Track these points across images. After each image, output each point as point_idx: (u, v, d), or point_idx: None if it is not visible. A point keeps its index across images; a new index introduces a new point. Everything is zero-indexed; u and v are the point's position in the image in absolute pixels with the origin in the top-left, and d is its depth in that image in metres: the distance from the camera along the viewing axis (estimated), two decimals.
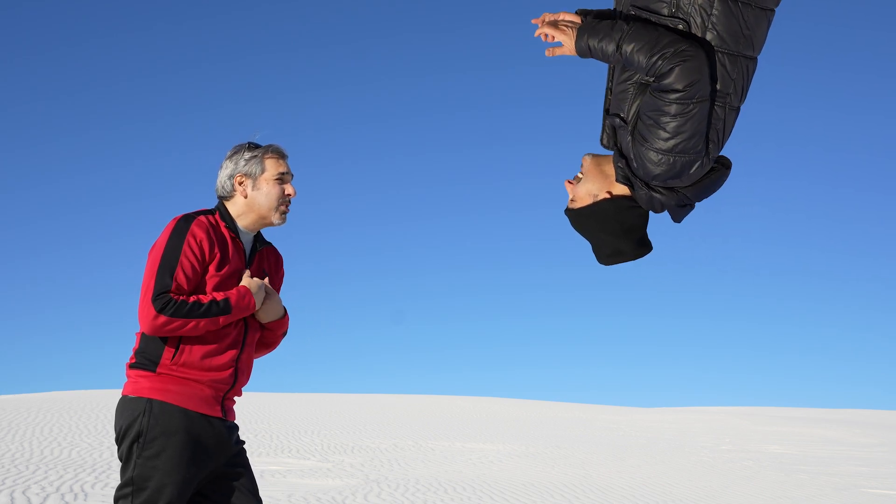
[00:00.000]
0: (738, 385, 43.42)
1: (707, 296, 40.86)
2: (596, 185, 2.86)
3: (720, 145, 2.76)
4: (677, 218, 2.89)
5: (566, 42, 2.74)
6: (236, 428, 3.39)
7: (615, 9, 2.88)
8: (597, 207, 2.85)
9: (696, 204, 2.88)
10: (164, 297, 3.15)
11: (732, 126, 2.77)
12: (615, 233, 2.86)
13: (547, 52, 2.79)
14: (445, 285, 41.03)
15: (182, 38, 36.33)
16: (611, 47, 2.65)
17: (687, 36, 2.65)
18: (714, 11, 2.66)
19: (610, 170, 2.87)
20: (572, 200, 2.90)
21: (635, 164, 2.73)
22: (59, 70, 35.74)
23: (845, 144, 39.19)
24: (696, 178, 2.75)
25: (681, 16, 2.68)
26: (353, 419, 21.31)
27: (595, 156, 2.91)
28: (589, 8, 2.90)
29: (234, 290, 3.27)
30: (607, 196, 2.84)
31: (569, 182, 2.92)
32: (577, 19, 2.76)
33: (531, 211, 38.11)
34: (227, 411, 3.33)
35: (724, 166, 2.84)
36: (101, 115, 35.96)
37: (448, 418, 23.31)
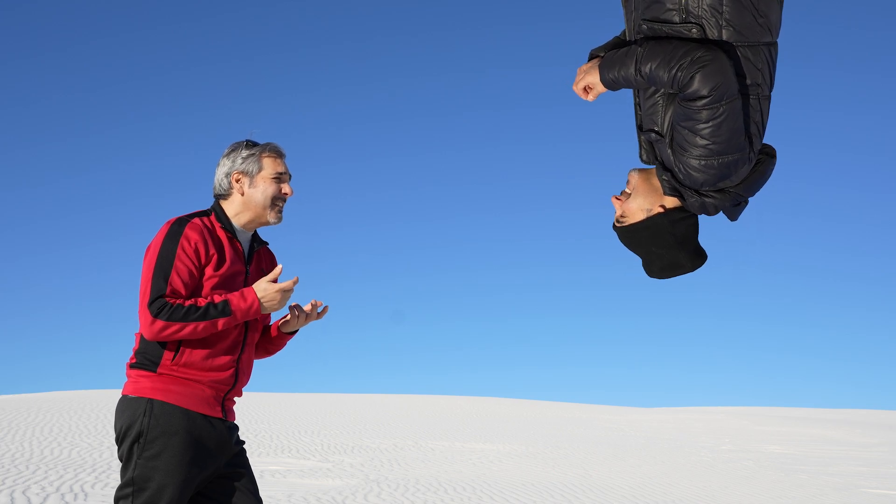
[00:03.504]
0: (738, 385, 43.46)
1: (707, 296, 40.87)
2: (648, 199, 2.86)
3: (761, 137, 2.77)
4: (733, 217, 2.90)
5: (595, 81, 2.80)
6: (236, 428, 3.39)
7: (625, 26, 2.90)
8: (650, 222, 2.86)
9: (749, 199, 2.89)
10: (160, 301, 3.14)
11: (768, 114, 2.78)
12: (671, 245, 2.87)
13: (591, 97, 2.85)
14: (445, 285, 41.04)
15: (182, 38, 36.31)
16: (630, 72, 2.69)
17: (702, 41, 2.65)
18: (725, 9, 2.66)
19: (658, 183, 2.88)
20: (623, 216, 2.90)
21: (681, 175, 2.74)
22: (60, 70, 35.73)
23: (846, 144, 39.19)
24: (744, 175, 2.76)
25: (692, 20, 2.68)
26: (353, 419, 21.31)
27: (642, 170, 2.91)
28: (601, 44, 2.96)
29: (236, 293, 3.25)
30: (661, 210, 2.86)
31: (616, 198, 2.91)
32: (594, 62, 2.81)
33: (531, 211, 38.13)
34: (228, 412, 3.33)
35: (768, 156, 2.84)
36: (101, 115, 35.95)
37: (448, 418, 23.31)
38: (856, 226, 39.66)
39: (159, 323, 3.13)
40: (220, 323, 3.20)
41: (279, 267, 3.31)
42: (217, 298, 3.21)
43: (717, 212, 2.85)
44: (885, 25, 38.07)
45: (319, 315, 3.50)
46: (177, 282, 3.18)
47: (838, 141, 38.86)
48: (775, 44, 2.76)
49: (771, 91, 2.77)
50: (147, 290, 3.17)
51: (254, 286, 3.28)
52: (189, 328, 3.15)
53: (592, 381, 41.19)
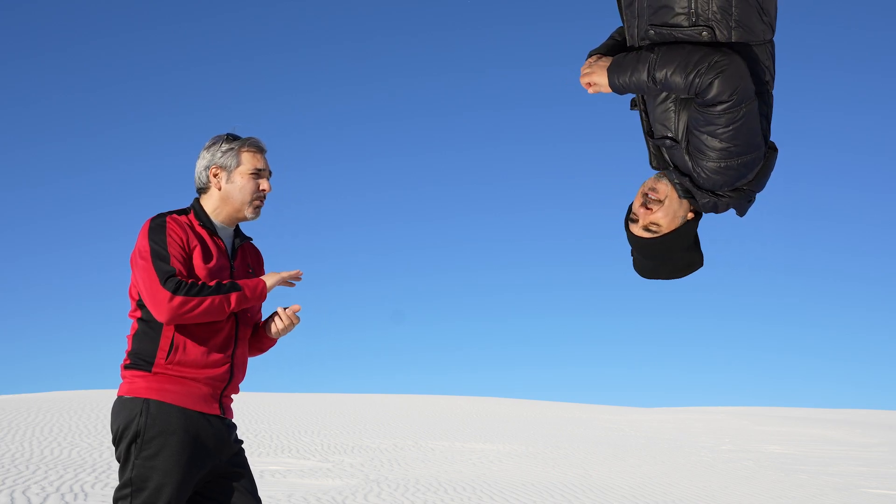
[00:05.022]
0: (738, 385, 43.44)
1: (707, 296, 40.86)
2: (683, 207, 2.88)
3: (770, 132, 2.79)
4: (742, 212, 2.92)
5: (602, 82, 2.79)
6: (235, 426, 3.39)
7: (626, 31, 2.87)
8: (683, 229, 2.89)
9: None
10: (173, 279, 3.13)
11: (773, 108, 2.80)
12: (690, 247, 2.92)
13: (591, 91, 2.85)
14: (445, 285, 41.04)
15: (182, 38, 36.32)
16: (642, 78, 2.67)
17: (712, 44, 2.65)
18: (735, 10, 2.65)
19: None
20: (655, 225, 2.88)
21: (701, 179, 2.74)
22: (60, 70, 35.72)
23: (846, 144, 39.18)
24: (757, 171, 2.78)
25: (702, 23, 2.67)
26: (353, 419, 21.31)
27: (666, 177, 2.90)
28: (594, 41, 2.97)
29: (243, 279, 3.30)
30: (692, 216, 2.89)
31: (647, 209, 2.88)
32: (604, 62, 2.79)
33: (531, 211, 38.12)
34: (226, 409, 3.32)
35: (771, 149, 2.85)
36: (101, 115, 35.95)
37: (448, 418, 23.30)
38: (856, 226, 39.65)
39: (178, 298, 3.10)
40: (233, 297, 3.20)
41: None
42: (225, 281, 3.24)
43: (727, 209, 2.86)
44: (884, 25, 38.07)
45: (296, 318, 3.43)
46: (177, 264, 3.18)
47: (838, 141, 38.86)
48: (773, 41, 2.77)
49: (773, 87, 2.78)
50: (154, 277, 3.14)
51: (262, 278, 3.33)
52: (206, 302, 3.14)
53: (592, 381, 41.19)
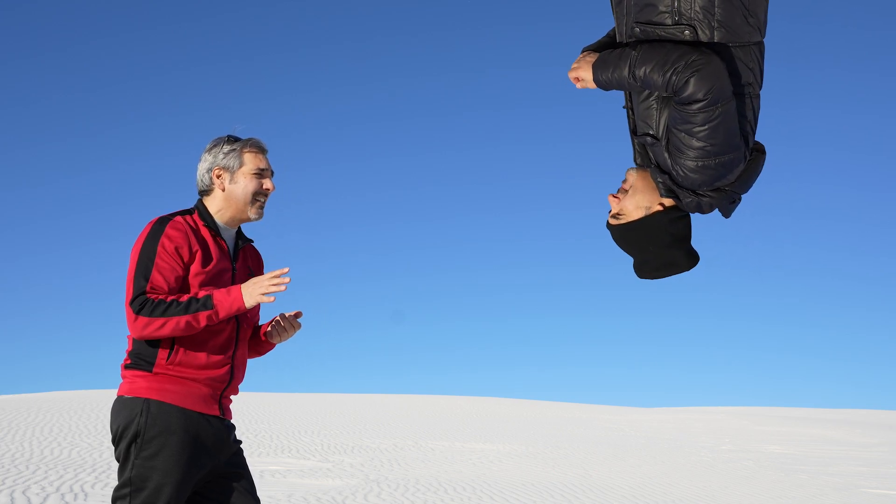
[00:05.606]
0: (738, 385, 43.44)
1: (707, 296, 40.87)
2: (647, 197, 2.86)
3: (754, 134, 2.79)
4: (727, 214, 2.91)
5: (588, 77, 2.81)
6: (234, 427, 3.39)
7: (616, 29, 2.89)
8: (649, 220, 2.85)
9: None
10: (141, 298, 3.14)
11: (759, 111, 2.79)
12: (667, 244, 2.87)
13: (578, 86, 2.87)
14: (445, 285, 41.06)
15: (182, 38, 36.32)
16: (624, 75, 2.69)
17: (694, 44, 2.66)
18: (717, 10, 2.67)
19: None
20: (619, 214, 2.89)
21: (679, 178, 2.74)
22: (60, 70, 35.73)
23: (846, 144, 39.19)
24: (739, 172, 2.78)
25: (685, 22, 2.69)
26: (353, 419, 21.31)
27: (640, 169, 2.91)
28: (593, 41, 2.96)
29: (222, 289, 3.21)
30: (660, 208, 2.85)
31: (614, 197, 2.90)
32: (591, 58, 2.81)
33: (531, 211, 38.15)
34: (225, 410, 3.33)
35: (759, 152, 2.86)
36: (101, 115, 35.96)
37: (448, 418, 23.30)
38: (856, 226, 39.65)
39: (142, 320, 3.12)
40: (202, 317, 3.15)
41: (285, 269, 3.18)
42: (201, 293, 3.19)
43: (712, 209, 2.86)
44: (882, 25, 38.09)
45: (297, 324, 3.44)
46: (158, 280, 3.17)
47: (837, 140, 38.87)
48: (763, 43, 2.78)
49: (760, 89, 2.79)
50: (130, 290, 3.17)
51: (243, 284, 3.22)
52: (171, 323, 3.12)
53: (592, 381, 41.20)
